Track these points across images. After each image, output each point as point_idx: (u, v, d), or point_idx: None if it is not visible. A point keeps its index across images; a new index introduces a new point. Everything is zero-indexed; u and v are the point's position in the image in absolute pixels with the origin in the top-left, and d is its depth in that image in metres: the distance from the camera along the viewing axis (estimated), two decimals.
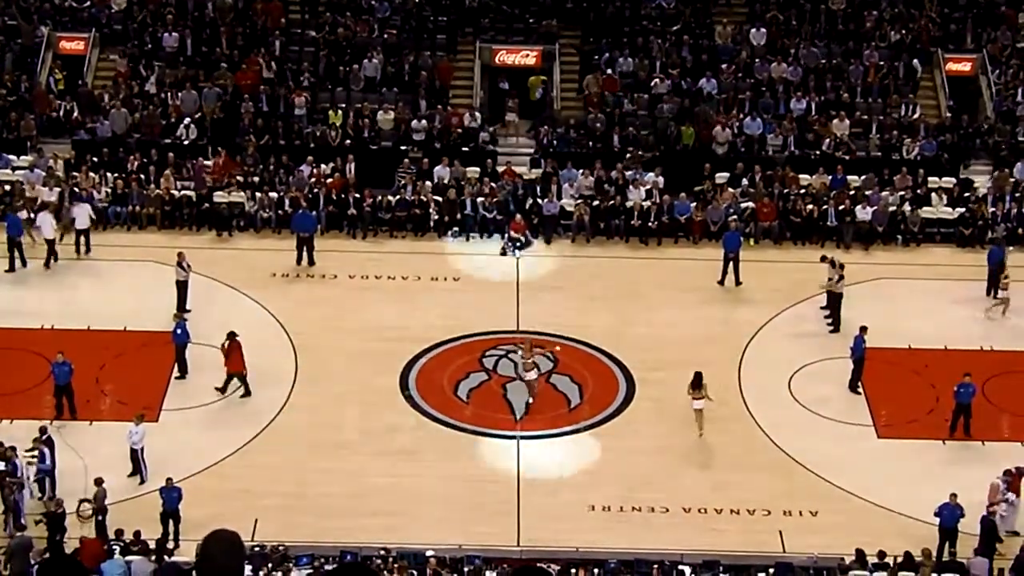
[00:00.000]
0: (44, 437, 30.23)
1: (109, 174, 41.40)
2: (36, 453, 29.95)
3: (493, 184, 41.71)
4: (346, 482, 31.12)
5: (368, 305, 37.44)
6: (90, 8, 46.34)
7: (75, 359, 32.83)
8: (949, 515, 29.30)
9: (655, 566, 28.37)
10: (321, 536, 29.41)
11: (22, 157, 42.37)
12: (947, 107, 44.95)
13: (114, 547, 28.22)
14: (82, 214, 38.73)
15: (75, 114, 43.39)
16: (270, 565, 27.90)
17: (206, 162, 41.92)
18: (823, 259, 37.45)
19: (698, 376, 32.54)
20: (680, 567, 28.57)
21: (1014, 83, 45.06)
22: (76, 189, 40.36)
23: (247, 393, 33.53)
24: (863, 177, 42.41)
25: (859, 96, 44.97)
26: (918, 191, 42.05)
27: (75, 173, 41.32)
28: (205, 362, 34.41)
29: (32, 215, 39.04)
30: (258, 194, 40.93)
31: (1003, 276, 37.40)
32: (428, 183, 41.73)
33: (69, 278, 38.03)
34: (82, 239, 38.67)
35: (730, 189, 41.78)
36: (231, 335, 33.43)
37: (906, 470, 31.87)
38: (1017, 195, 41.94)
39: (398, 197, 41.28)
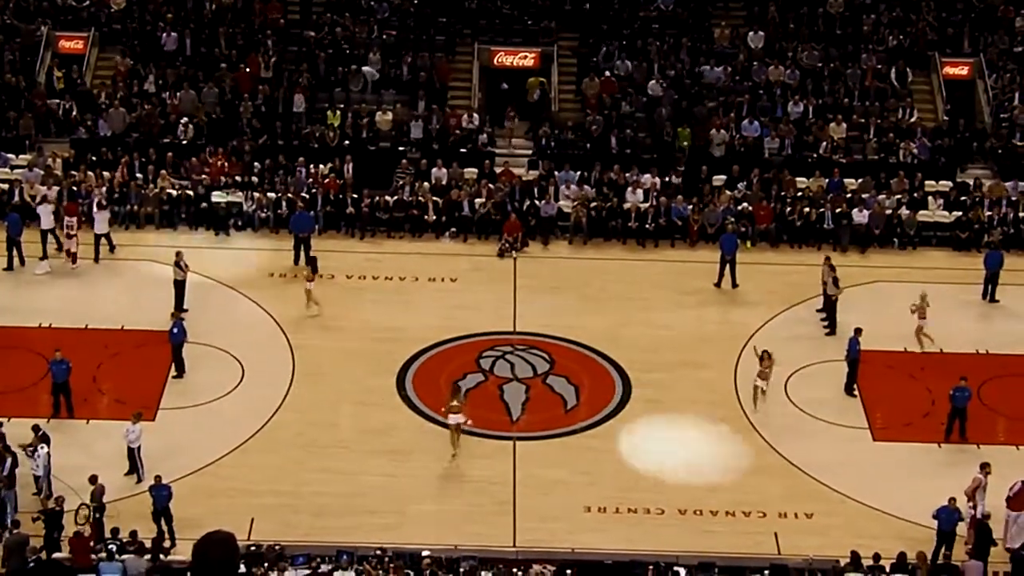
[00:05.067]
0: (39, 434, 30.24)
1: (106, 173, 41.49)
2: (32, 449, 29.96)
3: (491, 185, 41.80)
4: (342, 482, 31.16)
5: (365, 305, 37.53)
6: (90, 7, 46.42)
7: (72, 358, 32.87)
8: (947, 518, 29.33)
9: (650, 567, 28.36)
10: (317, 535, 29.43)
11: (21, 156, 42.46)
12: (944, 111, 45.05)
13: (110, 547, 28.25)
14: (101, 219, 38.83)
15: (74, 113, 43.47)
16: (266, 564, 27.91)
17: (196, 160, 42.03)
18: (827, 260, 37.42)
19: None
20: (675, 568, 28.56)
21: (1011, 87, 45.18)
22: (75, 188, 40.46)
23: None
24: (860, 180, 42.52)
25: (856, 99, 45.07)
26: (915, 194, 42.16)
27: (73, 172, 41.39)
28: (202, 361, 34.49)
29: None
30: (255, 194, 41.02)
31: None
32: (426, 184, 41.83)
33: (67, 277, 38.10)
34: (103, 241, 38.82)
35: (727, 192, 41.89)
36: None
37: (901, 473, 31.92)
38: (1013, 199, 42.05)
39: (396, 198, 41.37)
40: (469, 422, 32.02)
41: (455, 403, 31.99)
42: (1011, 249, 40.43)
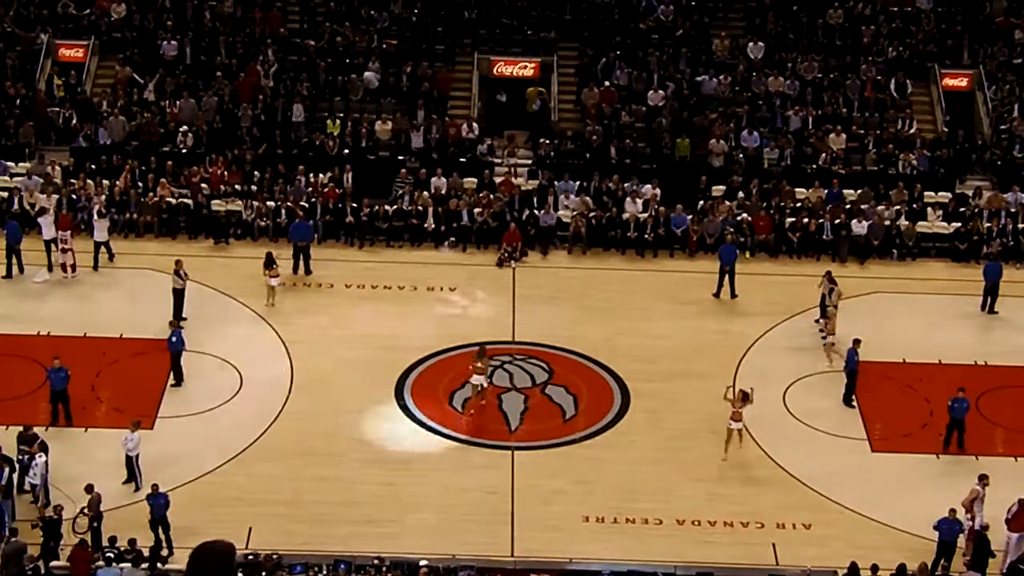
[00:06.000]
0: (38, 442, 30.23)
1: (106, 181, 41.48)
2: (29, 457, 29.93)
3: (491, 195, 41.81)
4: (340, 490, 31.13)
5: (364, 314, 37.52)
6: (90, 16, 46.45)
7: (71, 366, 32.85)
8: (948, 530, 29.31)
9: None
10: (315, 544, 29.39)
11: (20, 164, 42.48)
12: (943, 122, 45.09)
13: (108, 555, 28.23)
14: (100, 228, 38.82)
15: (74, 121, 43.47)
16: (264, 573, 27.89)
17: (198, 168, 42.03)
18: (828, 274, 37.29)
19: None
20: None
21: (1010, 99, 45.22)
22: (74, 196, 40.47)
23: None
24: (859, 191, 42.53)
25: (856, 111, 45.11)
26: (914, 206, 42.18)
27: (73, 180, 41.40)
28: (200, 370, 34.48)
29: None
30: (255, 203, 41.03)
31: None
32: (425, 193, 41.85)
33: (66, 285, 38.10)
34: (102, 249, 38.79)
35: (726, 202, 41.89)
36: None
37: (900, 484, 31.91)
38: (1013, 211, 42.08)
39: (395, 207, 41.39)
40: (488, 383, 33.37)
41: (480, 364, 33.30)
42: (1010, 260, 40.47)
